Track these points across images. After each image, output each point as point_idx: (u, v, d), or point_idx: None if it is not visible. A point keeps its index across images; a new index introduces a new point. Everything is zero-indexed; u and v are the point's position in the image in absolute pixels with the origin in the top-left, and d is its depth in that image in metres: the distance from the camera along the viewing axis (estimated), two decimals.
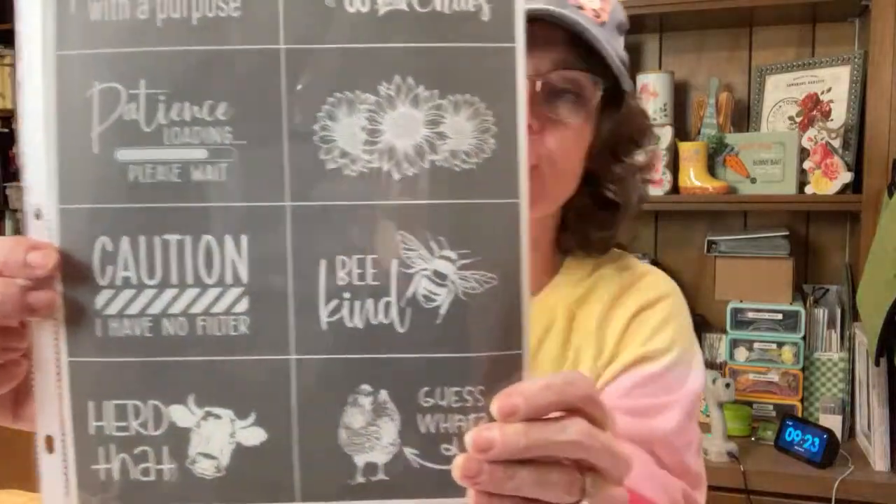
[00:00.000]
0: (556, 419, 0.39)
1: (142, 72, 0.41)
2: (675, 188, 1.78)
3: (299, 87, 0.41)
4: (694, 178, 1.75)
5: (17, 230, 2.32)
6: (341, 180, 0.41)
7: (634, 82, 1.55)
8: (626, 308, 0.72)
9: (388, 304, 0.41)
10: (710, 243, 1.79)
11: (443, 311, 0.41)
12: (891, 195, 1.49)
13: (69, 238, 0.42)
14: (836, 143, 1.69)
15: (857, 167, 1.67)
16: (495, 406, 0.39)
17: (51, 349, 0.42)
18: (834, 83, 1.75)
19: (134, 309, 0.41)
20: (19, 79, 0.42)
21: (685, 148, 1.76)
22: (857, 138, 1.70)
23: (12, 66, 2.31)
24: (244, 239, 0.41)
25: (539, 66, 0.65)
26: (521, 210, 0.41)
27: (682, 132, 1.90)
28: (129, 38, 0.41)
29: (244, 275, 0.41)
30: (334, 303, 0.41)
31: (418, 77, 0.41)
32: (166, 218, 0.41)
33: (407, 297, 0.41)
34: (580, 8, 0.64)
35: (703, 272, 1.89)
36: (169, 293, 0.41)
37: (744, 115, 1.89)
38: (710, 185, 1.73)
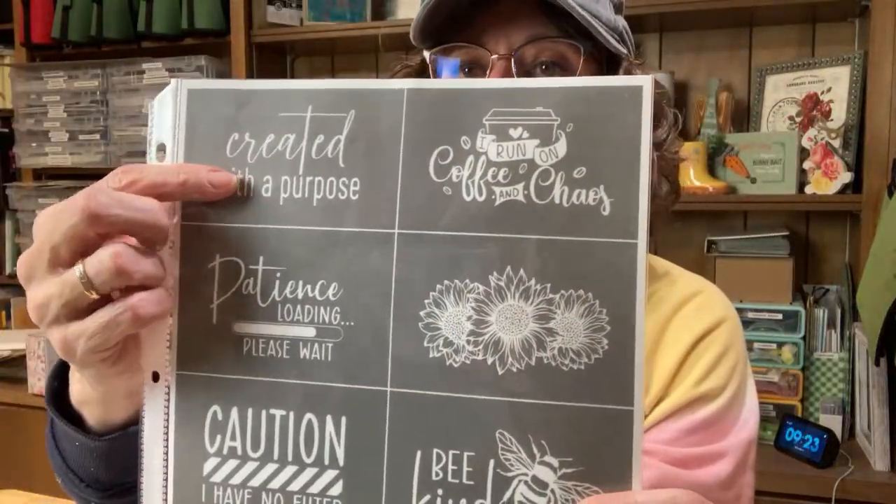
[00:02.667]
0: None
1: (261, 248, 0.42)
2: None
3: (408, 272, 0.40)
4: (694, 178, 1.75)
5: (17, 230, 2.32)
6: (443, 370, 0.40)
7: None
8: (680, 339, 0.66)
9: None
10: (710, 243, 1.79)
11: None
12: (891, 195, 1.49)
13: (184, 403, 0.43)
14: (836, 143, 1.69)
15: (857, 167, 1.67)
16: None
17: None
18: (834, 83, 1.75)
19: (237, 479, 0.42)
20: None
21: (685, 148, 1.76)
22: (857, 138, 1.70)
23: (11, 66, 2.31)
24: (343, 420, 0.41)
25: (511, 41, 0.64)
26: (635, 418, 0.38)
27: (682, 132, 1.90)
28: (251, 214, 0.42)
29: (341, 457, 0.41)
30: (426, 498, 0.40)
31: (530, 270, 0.39)
32: (274, 392, 0.42)
33: (502, 502, 0.39)
34: None
35: (703, 272, 1.88)
36: (270, 467, 0.42)
37: (744, 115, 1.89)
38: (710, 185, 1.73)
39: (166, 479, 0.42)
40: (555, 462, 0.39)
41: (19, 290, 2.46)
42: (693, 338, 0.67)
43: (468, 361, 0.40)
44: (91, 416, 0.49)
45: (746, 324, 1.71)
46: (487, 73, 0.64)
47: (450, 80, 0.47)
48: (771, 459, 1.60)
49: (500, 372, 0.39)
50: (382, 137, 0.41)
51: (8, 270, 2.45)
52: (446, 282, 0.40)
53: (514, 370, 0.39)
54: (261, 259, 0.42)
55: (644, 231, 0.39)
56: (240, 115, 0.43)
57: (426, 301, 0.40)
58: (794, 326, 1.67)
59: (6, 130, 2.38)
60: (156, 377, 0.43)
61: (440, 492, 0.40)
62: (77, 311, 0.39)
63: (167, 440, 0.43)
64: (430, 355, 0.40)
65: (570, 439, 0.38)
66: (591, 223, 0.39)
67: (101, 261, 0.38)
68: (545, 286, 0.39)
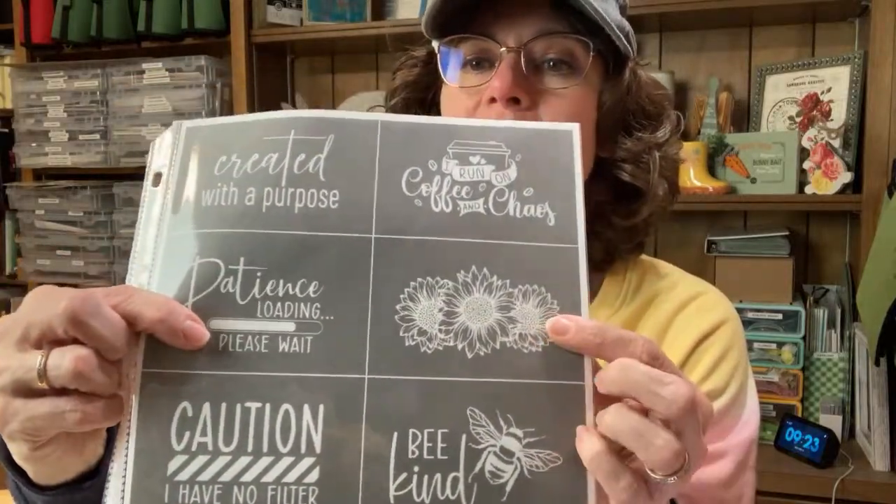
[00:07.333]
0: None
1: (242, 250, 0.44)
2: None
3: (385, 270, 0.45)
4: (694, 178, 1.75)
5: (17, 230, 2.32)
6: (418, 356, 0.44)
7: None
8: (682, 339, 0.67)
9: (455, 480, 0.42)
10: (710, 243, 1.79)
11: (508, 488, 0.42)
12: (891, 195, 1.49)
13: (149, 402, 0.42)
14: (836, 143, 1.69)
15: (857, 167, 1.67)
16: (549, 323, 0.43)
17: None
18: (834, 83, 1.75)
19: (206, 475, 0.42)
20: (133, 254, 0.46)
21: (685, 148, 1.76)
22: (857, 138, 1.70)
23: (11, 66, 2.31)
24: (321, 409, 0.43)
25: (521, 34, 0.63)
26: (586, 392, 0.43)
27: (682, 132, 1.90)
28: (234, 221, 0.45)
29: (318, 444, 0.42)
30: (403, 476, 0.42)
31: (492, 268, 0.45)
32: (250, 386, 0.43)
33: (474, 472, 0.43)
34: None
35: (703, 272, 1.88)
36: (243, 461, 0.42)
37: (744, 115, 1.89)
38: (710, 185, 1.73)
39: (124, 483, 0.42)
40: (519, 433, 0.43)
41: (19, 290, 2.46)
42: (694, 339, 0.67)
43: (440, 348, 0.44)
44: (32, 474, 0.47)
45: (746, 324, 1.71)
46: (496, 66, 0.64)
47: (417, 116, 0.52)
48: (771, 459, 1.60)
49: (469, 356, 0.44)
50: (359, 158, 0.46)
51: (8, 270, 2.45)
52: (419, 279, 0.45)
53: (482, 353, 0.44)
54: (241, 259, 0.44)
55: (582, 238, 0.46)
56: (229, 141, 0.47)
57: (401, 296, 0.44)
58: (794, 326, 1.68)
59: (6, 130, 2.38)
60: None
61: (416, 468, 0.42)
62: (25, 391, 0.40)
63: (129, 442, 0.42)
64: (406, 343, 0.44)
65: (532, 412, 0.43)
66: (540, 232, 0.46)
67: (64, 359, 0.39)
68: (505, 282, 0.45)
